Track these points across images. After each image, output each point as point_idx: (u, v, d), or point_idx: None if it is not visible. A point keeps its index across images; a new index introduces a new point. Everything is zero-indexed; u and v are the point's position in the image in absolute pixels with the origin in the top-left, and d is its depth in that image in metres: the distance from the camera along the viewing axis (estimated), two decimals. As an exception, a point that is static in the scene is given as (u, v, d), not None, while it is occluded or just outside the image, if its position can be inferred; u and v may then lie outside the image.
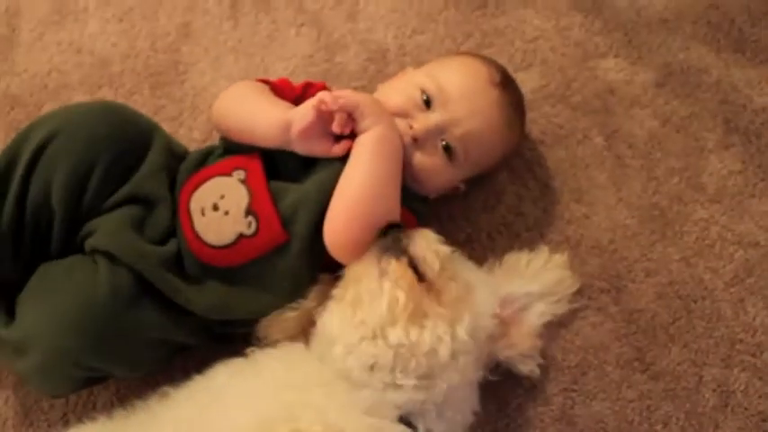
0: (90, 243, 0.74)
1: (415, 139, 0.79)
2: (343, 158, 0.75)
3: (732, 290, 0.89)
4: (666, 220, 0.92)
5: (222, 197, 0.76)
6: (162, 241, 0.76)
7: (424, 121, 0.79)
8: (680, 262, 0.90)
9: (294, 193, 0.76)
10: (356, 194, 0.73)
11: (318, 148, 0.76)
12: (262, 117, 0.77)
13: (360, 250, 0.73)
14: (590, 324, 0.88)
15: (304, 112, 0.74)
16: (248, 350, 0.75)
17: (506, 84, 0.85)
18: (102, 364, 0.74)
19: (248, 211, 0.75)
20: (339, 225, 0.73)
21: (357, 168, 0.74)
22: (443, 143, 0.80)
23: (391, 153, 0.75)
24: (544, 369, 0.85)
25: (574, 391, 0.85)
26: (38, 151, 0.74)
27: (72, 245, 0.77)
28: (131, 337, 0.73)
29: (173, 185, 0.80)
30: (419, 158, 0.80)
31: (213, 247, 0.75)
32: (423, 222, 0.83)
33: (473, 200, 0.93)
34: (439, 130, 0.80)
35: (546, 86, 0.99)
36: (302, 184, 0.77)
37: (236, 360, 0.74)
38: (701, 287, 0.89)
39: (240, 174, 0.77)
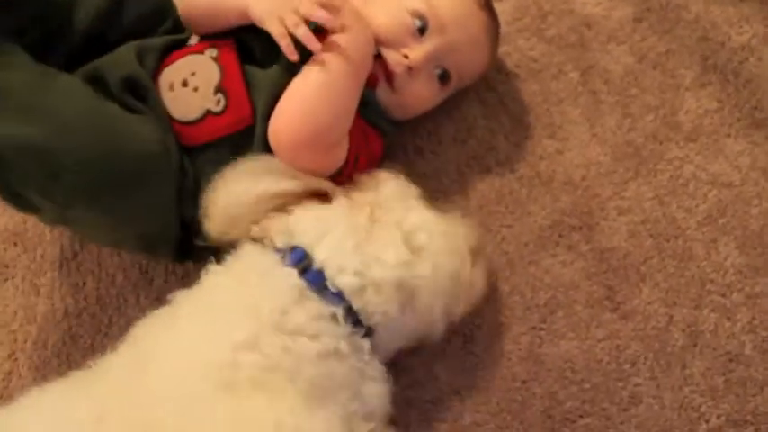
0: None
1: (410, 69, 0.75)
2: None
3: (704, 230, 0.87)
4: (641, 158, 0.89)
5: (193, 74, 0.72)
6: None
7: (420, 50, 0.75)
8: (653, 200, 0.88)
9: (260, 77, 0.72)
10: (308, 94, 0.69)
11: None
12: None
13: (301, 155, 0.69)
14: (560, 262, 0.85)
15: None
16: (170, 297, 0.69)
17: (489, 5, 0.83)
18: (82, 197, 0.65)
19: (218, 89, 0.71)
20: (283, 122, 0.69)
21: (318, 67, 0.69)
22: (438, 71, 0.78)
23: (359, 61, 0.70)
24: (512, 307, 0.83)
25: (542, 329, 0.82)
26: None
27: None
28: (143, 188, 0.67)
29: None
30: (414, 88, 0.77)
31: (178, 121, 0.71)
32: (389, 146, 0.79)
33: (443, 133, 0.89)
34: (435, 58, 0.76)
35: (520, 19, 0.95)
36: (270, 69, 0.73)
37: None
38: (673, 226, 0.87)
39: (212, 51, 0.73)
